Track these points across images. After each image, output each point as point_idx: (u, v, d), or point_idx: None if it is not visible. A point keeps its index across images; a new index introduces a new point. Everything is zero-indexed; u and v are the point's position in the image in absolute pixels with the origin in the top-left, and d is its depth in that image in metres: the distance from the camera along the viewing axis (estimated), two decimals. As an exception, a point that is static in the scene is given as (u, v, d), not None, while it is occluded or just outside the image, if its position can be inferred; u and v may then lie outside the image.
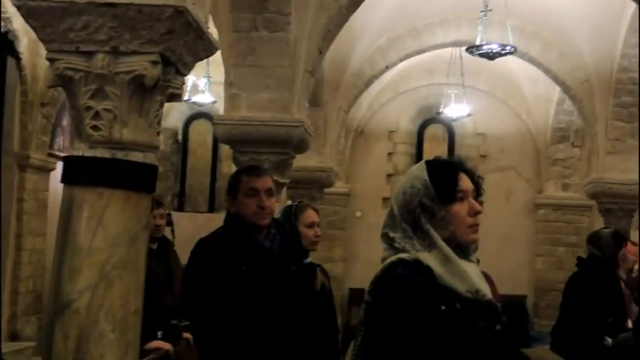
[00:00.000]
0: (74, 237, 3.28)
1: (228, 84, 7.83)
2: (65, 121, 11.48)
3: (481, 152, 16.23)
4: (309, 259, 4.68)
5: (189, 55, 3.50)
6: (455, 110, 14.29)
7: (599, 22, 10.87)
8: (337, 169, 13.07)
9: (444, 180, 2.56)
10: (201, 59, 3.68)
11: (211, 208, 16.06)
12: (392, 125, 16.37)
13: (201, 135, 16.28)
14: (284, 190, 8.83)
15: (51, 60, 3.33)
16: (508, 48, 10.03)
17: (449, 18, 12.45)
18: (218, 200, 15.82)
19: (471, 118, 15.19)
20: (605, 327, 6.05)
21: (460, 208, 2.55)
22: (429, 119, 16.42)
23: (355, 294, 14.59)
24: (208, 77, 12.75)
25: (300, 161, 9.45)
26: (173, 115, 15.72)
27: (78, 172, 3.35)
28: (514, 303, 14.08)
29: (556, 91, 14.40)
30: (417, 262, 2.47)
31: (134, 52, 3.25)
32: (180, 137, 16.28)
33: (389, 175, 16.22)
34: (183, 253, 4.73)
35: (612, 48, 10.98)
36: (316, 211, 4.97)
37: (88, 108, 3.29)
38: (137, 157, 3.36)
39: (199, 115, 15.80)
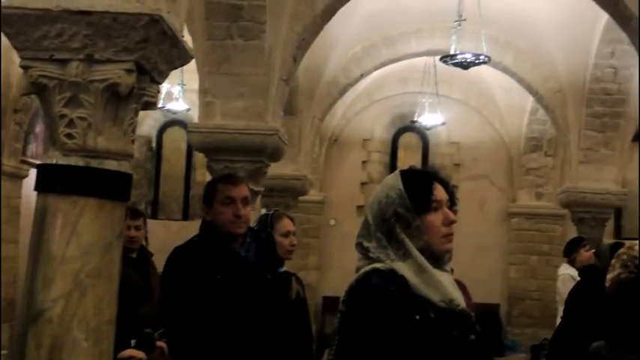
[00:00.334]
0: (48, 245, 3.26)
1: (203, 92, 7.82)
2: (38, 128, 11.42)
3: (455, 161, 16.25)
4: (284, 268, 4.69)
5: (164, 63, 3.49)
6: (429, 119, 14.34)
7: (572, 33, 10.95)
8: (311, 177, 13.07)
9: (419, 190, 2.56)
10: (176, 68, 3.68)
11: (185, 216, 16.03)
12: (366, 133, 16.39)
13: (175, 142, 16.24)
14: (258, 199, 8.81)
15: (25, 67, 3.30)
16: (482, 57, 10.04)
17: (423, 27, 12.50)
18: (192, 208, 15.80)
19: (445, 127, 15.24)
20: (600, 336, 6.08)
21: (435, 218, 2.56)
22: (403, 128, 16.43)
23: (329, 302, 14.56)
24: (182, 85, 12.70)
25: (275, 169, 9.44)
26: (147, 123, 15.65)
27: (52, 181, 3.33)
28: (487, 311, 14.08)
29: (529, 101, 14.48)
30: (392, 272, 2.47)
31: (109, 61, 3.24)
32: (154, 145, 16.23)
33: (363, 184, 16.22)
34: (157, 260, 4.72)
35: (585, 58, 11.07)
36: (292, 220, 4.99)
37: (63, 116, 3.27)
38: (111, 165, 3.35)
39: (173, 122, 15.76)
